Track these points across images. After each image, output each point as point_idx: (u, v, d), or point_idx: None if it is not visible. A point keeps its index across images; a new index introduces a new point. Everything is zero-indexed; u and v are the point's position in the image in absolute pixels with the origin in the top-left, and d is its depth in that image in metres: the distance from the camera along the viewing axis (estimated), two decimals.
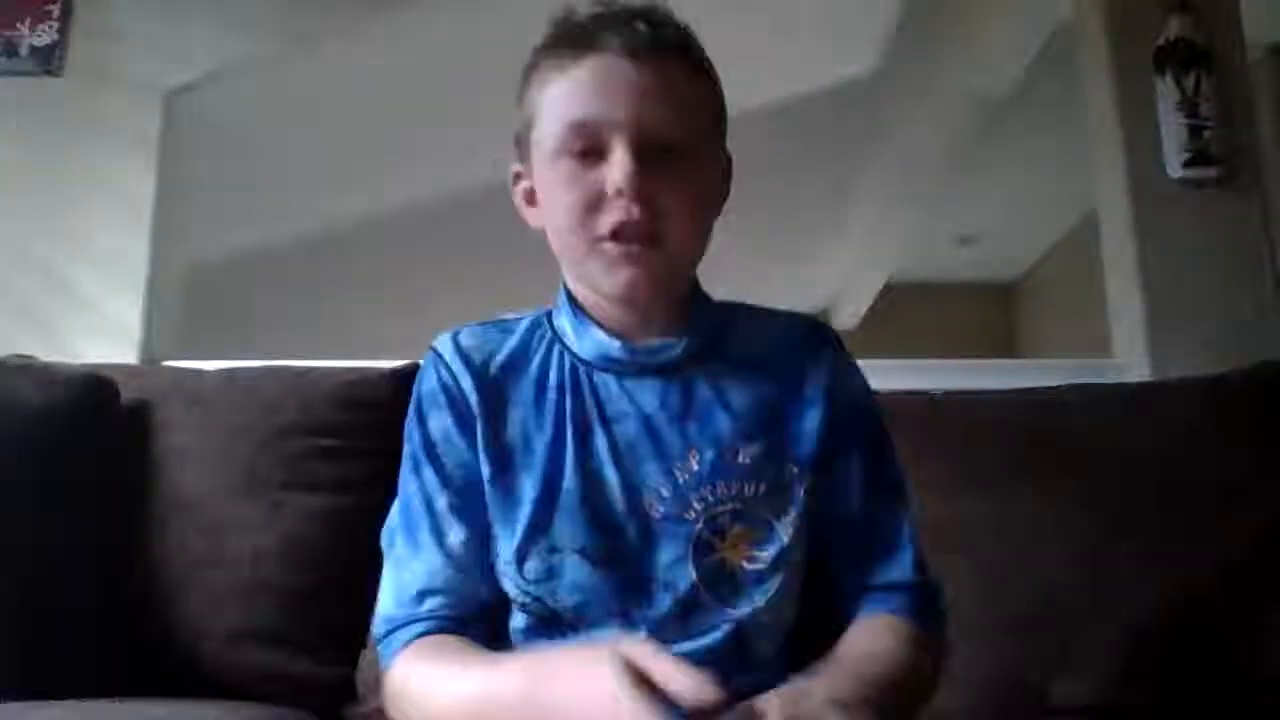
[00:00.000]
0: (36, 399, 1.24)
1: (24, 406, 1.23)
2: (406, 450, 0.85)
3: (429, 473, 0.83)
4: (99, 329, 2.04)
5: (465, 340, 0.87)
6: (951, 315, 5.89)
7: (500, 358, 0.86)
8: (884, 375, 1.03)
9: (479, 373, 0.84)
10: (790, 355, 0.87)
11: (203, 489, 1.28)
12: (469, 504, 0.82)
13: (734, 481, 0.80)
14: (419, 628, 0.78)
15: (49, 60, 2.16)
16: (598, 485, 0.80)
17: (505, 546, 0.80)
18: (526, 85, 0.83)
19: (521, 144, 0.85)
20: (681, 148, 0.78)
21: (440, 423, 0.84)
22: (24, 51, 2.16)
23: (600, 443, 0.81)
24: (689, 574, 0.78)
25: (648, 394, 0.83)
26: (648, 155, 0.77)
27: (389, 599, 0.81)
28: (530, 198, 0.86)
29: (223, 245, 3.43)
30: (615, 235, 0.77)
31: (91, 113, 2.14)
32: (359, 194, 3.66)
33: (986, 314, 6.13)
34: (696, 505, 0.79)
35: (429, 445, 0.84)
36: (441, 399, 0.84)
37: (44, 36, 2.17)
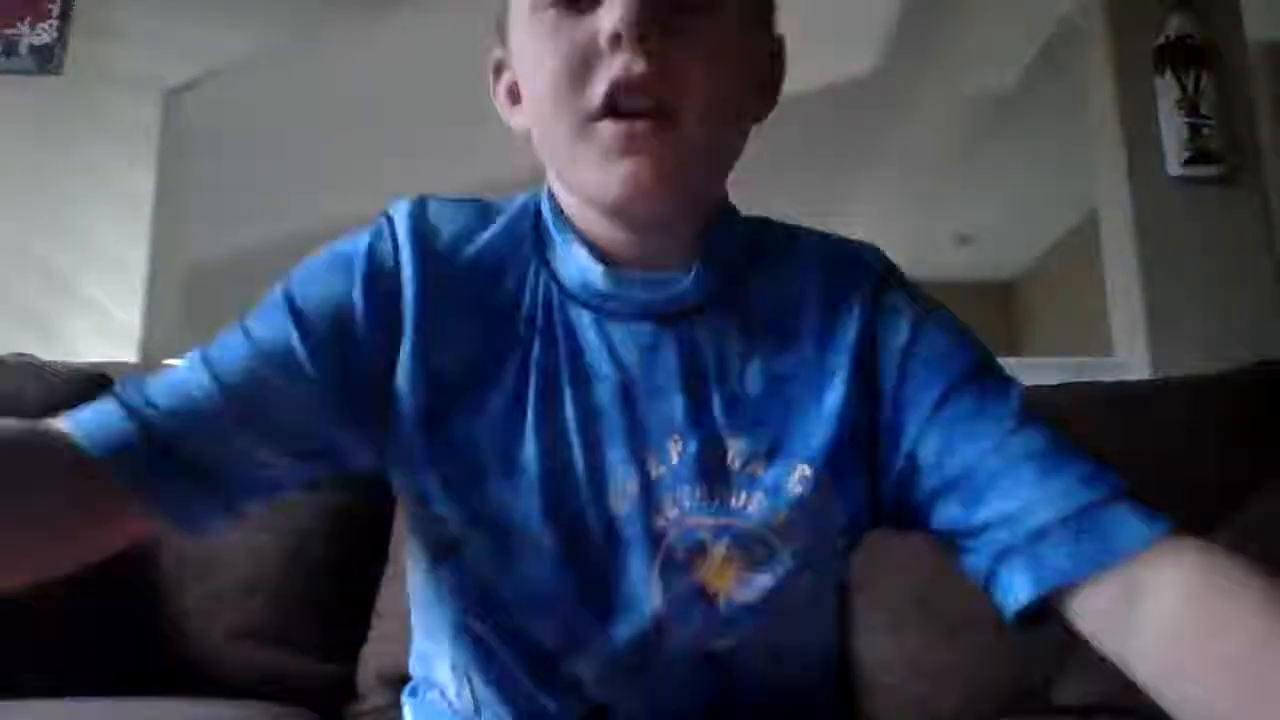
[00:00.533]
0: (36, 398, 1.25)
1: (24, 406, 1.23)
2: (275, 290, 0.63)
3: (275, 325, 0.61)
4: (99, 329, 2.05)
5: (433, 217, 0.65)
6: None
7: (471, 249, 0.64)
8: None
9: (433, 266, 0.63)
10: (820, 303, 0.65)
11: None
12: (281, 404, 0.60)
13: (721, 487, 0.61)
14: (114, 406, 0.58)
15: (49, 59, 2.16)
16: (563, 459, 0.61)
17: (439, 505, 0.62)
18: None
19: (502, 21, 0.66)
20: None
21: (338, 296, 0.62)
22: (24, 50, 2.16)
23: (568, 406, 0.62)
24: (653, 598, 0.60)
25: (631, 348, 0.62)
26: (656, 1, 0.57)
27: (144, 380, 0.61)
28: (513, 94, 0.65)
29: (223, 245, 3.43)
30: (611, 106, 0.57)
31: (91, 111, 2.14)
32: (359, 194, 3.65)
33: (986, 313, 6.12)
34: (670, 511, 0.60)
35: (294, 304, 0.62)
36: (360, 272, 0.63)
37: (43, 35, 2.17)
